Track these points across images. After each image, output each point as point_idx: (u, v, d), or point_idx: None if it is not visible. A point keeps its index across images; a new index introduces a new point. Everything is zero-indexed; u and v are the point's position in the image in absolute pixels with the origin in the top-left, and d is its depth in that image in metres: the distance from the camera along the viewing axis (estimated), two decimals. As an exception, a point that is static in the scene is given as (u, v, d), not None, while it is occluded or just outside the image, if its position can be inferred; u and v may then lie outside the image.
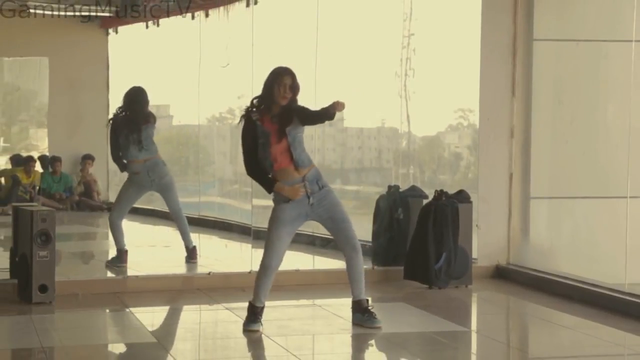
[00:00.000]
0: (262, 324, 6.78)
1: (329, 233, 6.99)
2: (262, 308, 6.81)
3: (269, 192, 6.79)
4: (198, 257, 9.43)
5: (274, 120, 6.69)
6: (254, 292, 6.81)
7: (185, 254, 9.43)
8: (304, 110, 6.71)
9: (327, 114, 6.60)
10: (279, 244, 6.74)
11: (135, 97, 9.12)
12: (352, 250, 6.83)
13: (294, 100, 6.73)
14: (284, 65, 6.79)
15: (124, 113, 9.08)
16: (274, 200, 6.80)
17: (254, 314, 6.80)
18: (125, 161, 9.14)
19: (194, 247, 9.44)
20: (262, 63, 10.27)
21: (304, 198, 6.71)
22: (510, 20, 9.04)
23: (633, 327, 7.05)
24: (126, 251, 9.18)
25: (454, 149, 11.90)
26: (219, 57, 12.06)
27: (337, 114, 6.65)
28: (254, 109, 6.73)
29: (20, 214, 7.94)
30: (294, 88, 6.70)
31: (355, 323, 6.89)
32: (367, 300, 6.93)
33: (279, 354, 6.27)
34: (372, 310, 6.88)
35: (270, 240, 6.76)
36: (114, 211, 9.28)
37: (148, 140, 9.08)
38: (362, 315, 6.87)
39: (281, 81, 6.67)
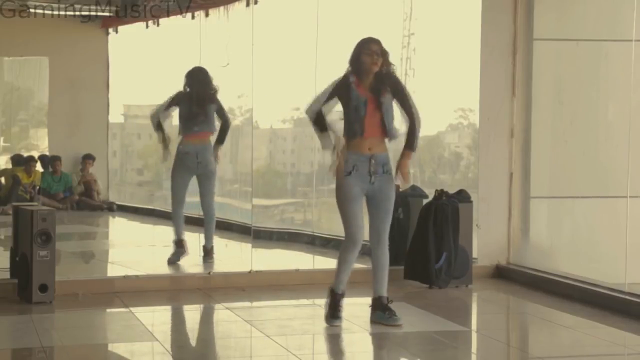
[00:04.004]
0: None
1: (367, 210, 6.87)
2: (342, 296, 6.76)
3: (324, 147, 6.70)
4: (214, 257, 9.44)
5: (370, 89, 6.62)
6: (336, 276, 6.74)
7: (201, 253, 9.46)
8: (399, 84, 6.69)
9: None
10: (357, 219, 6.68)
11: (199, 76, 9.28)
12: (377, 242, 6.78)
13: (387, 64, 6.65)
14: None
15: (189, 90, 9.25)
16: (339, 169, 6.67)
17: (334, 304, 6.74)
18: (180, 136, 9.26)
19: (212, 248, 9.44)
20: (262, 63, 10.29)
21: (365, 175, 6.65)
22: (510, 20, 9.04)
23: (633, 327, 7.05)
24: (183, 240, 9.22)
25: (454, 149, 11.88)
26: (219, 56, 12.05)
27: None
28: (353, 74, 6.64)
29: (21, 214, 7.94)
30: (383, 52, 6.62)
31: (376, 321, 6.79)
32: (388, 298, 6.84)
33: (279, 354, 6.26)
34: (390, 306, 6.79)
35: (347, 217, 6.69)
36: (172, 202, 9.33)
37: (211, 117, 9.23)
38: (383, 312, 6.77)
39: (368, 48, 6.60)
